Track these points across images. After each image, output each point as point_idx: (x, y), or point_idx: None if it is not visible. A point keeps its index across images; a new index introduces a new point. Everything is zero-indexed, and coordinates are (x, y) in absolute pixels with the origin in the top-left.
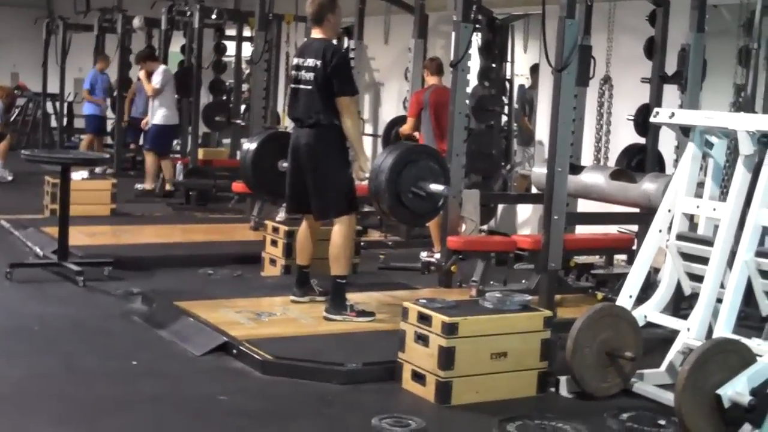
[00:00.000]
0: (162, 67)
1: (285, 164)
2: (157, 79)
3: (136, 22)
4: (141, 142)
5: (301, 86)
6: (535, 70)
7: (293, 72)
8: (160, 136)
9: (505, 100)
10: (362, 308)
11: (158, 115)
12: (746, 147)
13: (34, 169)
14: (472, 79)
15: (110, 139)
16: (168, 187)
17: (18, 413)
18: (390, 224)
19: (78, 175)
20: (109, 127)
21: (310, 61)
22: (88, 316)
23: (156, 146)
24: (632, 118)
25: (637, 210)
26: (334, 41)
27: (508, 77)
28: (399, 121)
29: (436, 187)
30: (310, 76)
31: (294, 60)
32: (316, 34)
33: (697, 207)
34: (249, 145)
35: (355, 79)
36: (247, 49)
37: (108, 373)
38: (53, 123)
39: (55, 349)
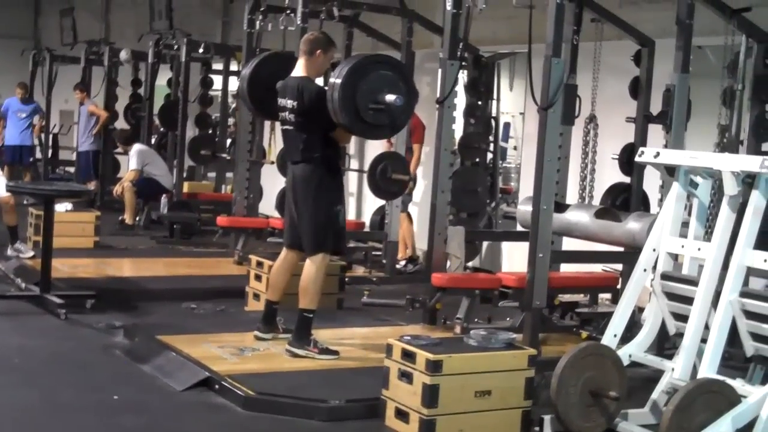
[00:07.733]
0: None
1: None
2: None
3: (123, 54)
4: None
5: (286, 127)
6: None
7: (279, 113)
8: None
9: (491, 137)
10: (326, 346)
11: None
12: (731, 187)
13: (18, 200)
14: (458, 116)
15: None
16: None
17: None
18: (374, 260)
19: (62, 207)
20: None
21: (288, 102)
22: (69, 349)
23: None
24: (617, 157)
25: (621, 249)
26: (317, 80)
27: (494, 115)
28: (385, 156)
29: (389, 98)
30: (291, 117)
31: (278, 100)
32: (297, 70)
33: (682, 246)
34: (246, 71)
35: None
36: (234, 83)
37: (88, 407)
38: (38, 155)
39: (35, 383)
